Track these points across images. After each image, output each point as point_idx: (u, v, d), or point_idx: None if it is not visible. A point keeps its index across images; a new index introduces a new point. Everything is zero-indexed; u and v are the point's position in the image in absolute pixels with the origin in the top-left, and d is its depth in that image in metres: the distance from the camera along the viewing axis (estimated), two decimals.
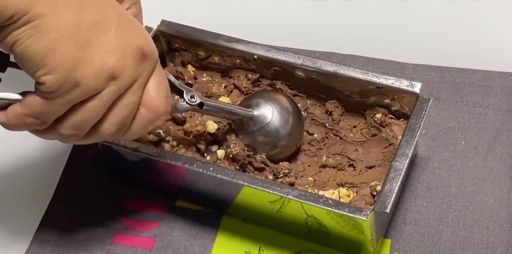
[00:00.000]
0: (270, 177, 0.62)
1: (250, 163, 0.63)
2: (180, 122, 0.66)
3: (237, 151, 0.62)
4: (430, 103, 0.61)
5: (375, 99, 0.64)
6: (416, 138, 0.59)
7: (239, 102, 0.66)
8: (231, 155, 0.63)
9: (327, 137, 0.66)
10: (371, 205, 0.60)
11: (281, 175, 0.62)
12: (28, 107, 0.49)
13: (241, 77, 0.67)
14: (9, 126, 0.51)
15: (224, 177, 0.58)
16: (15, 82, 0.56)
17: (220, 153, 0.64)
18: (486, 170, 0.67)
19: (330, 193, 0.61)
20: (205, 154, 0.65)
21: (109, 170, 0.69)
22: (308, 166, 0.65)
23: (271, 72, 0.66)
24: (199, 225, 0.66)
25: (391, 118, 0.64)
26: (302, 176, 0.63)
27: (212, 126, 0.64)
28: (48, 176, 0.70)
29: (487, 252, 0.63)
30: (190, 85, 0.68)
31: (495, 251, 0.63)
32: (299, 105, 0.67)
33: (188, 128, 0.65)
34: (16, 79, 0.55)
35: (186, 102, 0.57)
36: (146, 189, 0.68)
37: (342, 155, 0.65)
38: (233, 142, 0.63)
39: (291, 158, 0.65)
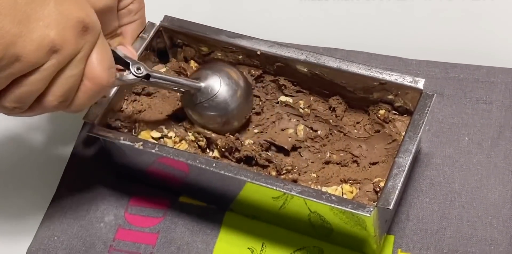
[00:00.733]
0: (273, 173, 0.62)
1: (252, 157, 0.63)
2: (181, 117, 0.66)
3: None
4: (433, 99, 0.60)
5: (379, 95, 0.64)
6: (420, 134, 0.59)
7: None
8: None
9: (330, 134, 0.66)
10: (374, 202, 0.59)
11: (284, 171, 0.62)
12: None
13: (244, 73, 0.67)
14: None
15: (227, 173, 0.58)
16: None
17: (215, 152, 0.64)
18: (490, 166, 0.67)
19: (333, 190, 0.61)
20: (207, 150, 0.65)
21: (112, 166, 0.69)
22: (312, 162, 0.64)
23: (274, 68, 0.66)
24: (202, 221, 0.66)
25: (395, 114, 0.64)
26: (305, 173, 0.63)
27: None
28: (51, 171, 0.70)
29: (491, 249, 0.63)
30: None
31: (498, 248, 0.63)
32: (302, 101, 0.67)
33: (188, 124, 0.65)
34: None
35: (132, 74, 0.57)
36: (149, 185, 0.68)
37: (345, 151, 0.65)
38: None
39: (241, 129, 0.65)
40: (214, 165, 0.59)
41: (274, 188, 0.57)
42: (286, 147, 0.65)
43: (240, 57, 0.66)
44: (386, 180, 0.56)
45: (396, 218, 0.65)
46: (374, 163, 0.63)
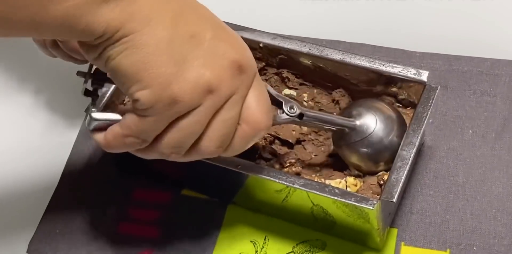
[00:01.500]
0: (277, 166, 0.62)
1: (255, 150, 0.62)
2: None
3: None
4: (437, 91, 0.60)
5: (382, 88, 0.63)
6: (423, 127, 0.58)
7: None
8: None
9: None
10: (378, 195, 0.59)
11: (288, 164, 0.62)
12: (127, 126, 0.48)
13: None
14: (109, 147, 0.50)
15: (230, 167, 0.58)
16: None
17: None
18: (494, 159, 0.67)
19: (337, 183, 0.61)
20: None
21: (114, 159, 0.69)
22: (315, 155, 0.64)
23: (277, 61, 0.66)
24: (205, 214, 0.66)
25: (399, 107, 0.64)
26: (309, 166, 0.63)
27: None
28: (54, 164, 0.70)
29: (495, 242, 0.63)
30: None
31: (502, 241, 0.63)
32: (305, 94, 0.66)
33: None
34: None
35: (286, 114, 0.55)
36: (152, 178, 0.68)
37: None
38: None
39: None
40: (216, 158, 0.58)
41: (277, 181, 0.57)
42: (290, 140, 0.64)
43: None
44: (389, 173, 0.56)
45: (400, 211, 0.65)
46: None
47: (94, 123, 0.50)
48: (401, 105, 0.64)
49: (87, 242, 0.65)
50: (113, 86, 0.62)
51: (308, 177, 0.62)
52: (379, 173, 0.60)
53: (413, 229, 0.64)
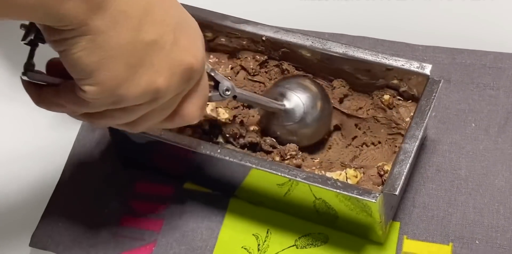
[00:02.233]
0: (277, 158, 0.62)
1: (256, 143, 0.63)
2: None
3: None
4: (440, 85, 0.60)
5: (385, 81, 0.63)
6: (426, 120, 0.58)
7: (244, 85, 0.65)
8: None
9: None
10: (379, 185, 0.59)
11: (288, 157, 0.62)
12: (63, 98, 0.48)
13: (249, 58, 0.67)
14: (39, 105, 0.50)
15: (232, 159, 0.58)
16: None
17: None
18: (497, 152, 0.66)
19: (337, 174, 0.61)
20: (212, 136, 0.65)
21: (117, 152, 0.69)
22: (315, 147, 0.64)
23: (279, 54, 0.66)
24: (207, 207, 0.66)
25: (399, 99, 0.64)
26: (309, 158, 0.63)
27: (223, 115, 0.64)
28: (56, 158, 0.70)
29: (497, 236, 0.63)
30: None
31: (505, 234, 0.62)
32: None
33: None
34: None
35: (220, 95, 0.57)
36: (154, 171, 0.68)
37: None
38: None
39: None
40: (218, 151, 0.58)
41: (279, 174, 0.57)
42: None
43: (245, 42, 0.66)
44: (392, 166, 0.56)
45: (402, 204, 0.65)
46: (375, 148, 0.63)
47: (30, 78, 0.49)
48: (402, 98, 0.64)
49: (90, 236, 0.65)
50: None
51: (308, 169, 0.62)
52: (379, 164, 0.60)
53: (415, 222, 0.64)
